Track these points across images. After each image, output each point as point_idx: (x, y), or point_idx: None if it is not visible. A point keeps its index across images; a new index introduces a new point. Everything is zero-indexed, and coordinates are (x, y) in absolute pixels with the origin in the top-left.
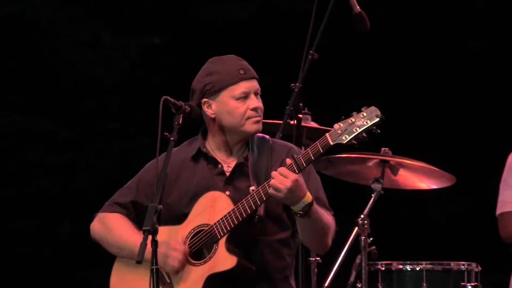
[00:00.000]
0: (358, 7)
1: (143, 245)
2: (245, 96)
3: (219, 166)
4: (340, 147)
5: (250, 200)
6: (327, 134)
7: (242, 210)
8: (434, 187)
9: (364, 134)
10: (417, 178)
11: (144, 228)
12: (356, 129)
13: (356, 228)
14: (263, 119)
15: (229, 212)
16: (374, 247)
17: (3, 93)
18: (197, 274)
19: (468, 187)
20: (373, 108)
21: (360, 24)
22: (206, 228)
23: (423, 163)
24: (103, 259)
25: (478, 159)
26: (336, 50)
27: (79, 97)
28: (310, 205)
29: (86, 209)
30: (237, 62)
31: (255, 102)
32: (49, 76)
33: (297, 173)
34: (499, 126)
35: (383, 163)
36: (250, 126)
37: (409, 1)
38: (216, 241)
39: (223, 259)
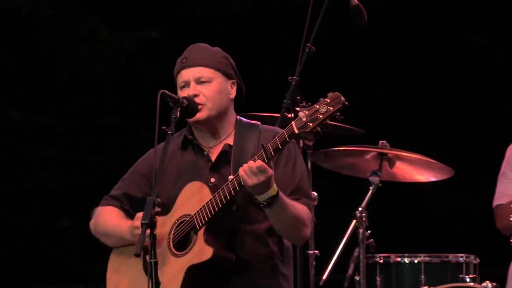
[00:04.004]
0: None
1: (142, 238)
2: (186, 85)
3: (205, 153)
4: (337, 140)
5: (226, 190)
6: (292, 122)
7: (218, 200)
8: (432, 179)
9: (328, 120)
10: (415, 170)
11: (142, 221)
12: (319, 116)
13: (354, 221)
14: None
15: (207, 202)
16: (372, 240)
17: (0, 88)
18: (178, 265)
19: (466, 179)
20: (336, 94)
21: (357, 17)
22: (187, 219)
23: (421, 156)
24: (101, 253)
25: (476, 152)
26: (334, 43)
27: (76, 92)
28: (273, 197)
29: (84, 203)
30: (187, 51)
31: (191, 89)
32: (46, 71)
33: (266, 162)
34: (497, 118)
35: (381, 155)
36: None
37: None
38: (196, 232)
39: (200, 251)
